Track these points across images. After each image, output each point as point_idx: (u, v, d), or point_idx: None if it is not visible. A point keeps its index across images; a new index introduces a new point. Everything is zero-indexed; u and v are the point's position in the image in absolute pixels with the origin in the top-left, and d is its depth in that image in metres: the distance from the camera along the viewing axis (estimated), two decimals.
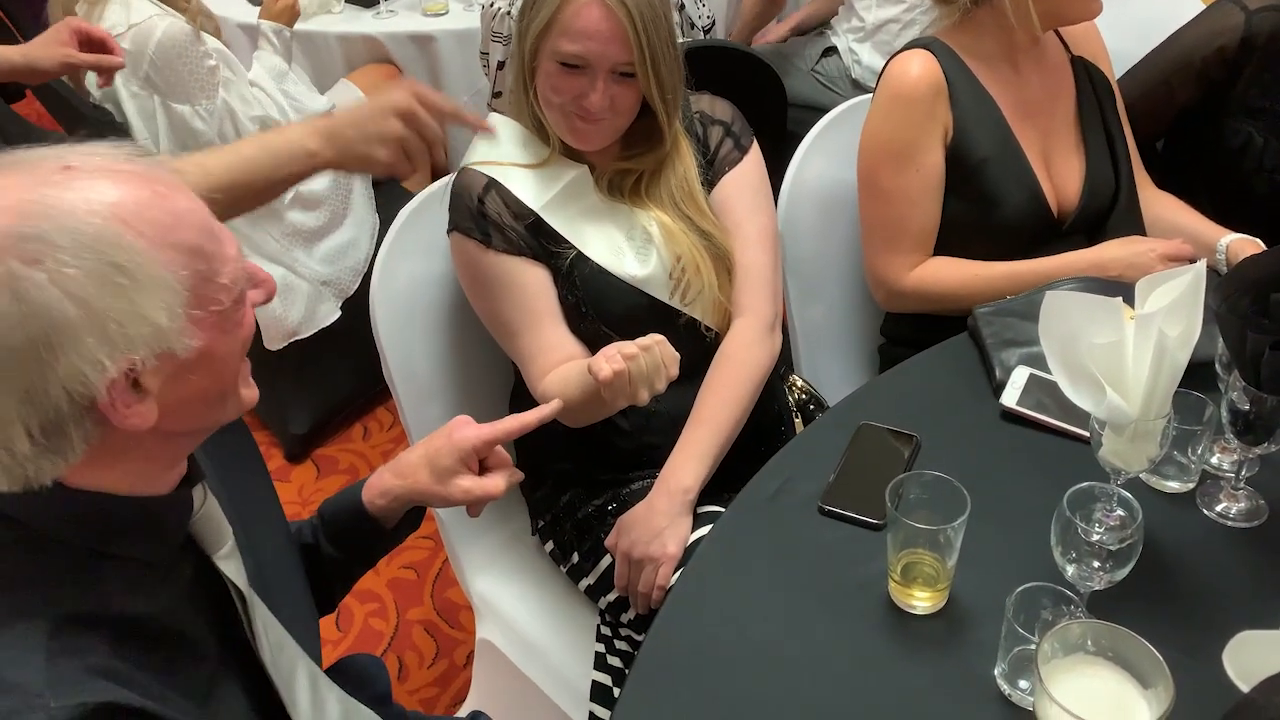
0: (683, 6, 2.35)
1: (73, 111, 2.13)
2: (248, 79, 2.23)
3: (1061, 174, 1.59)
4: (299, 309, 2.33)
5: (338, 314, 2.40)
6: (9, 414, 0.70)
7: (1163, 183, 1.73)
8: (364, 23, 2.75)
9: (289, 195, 2.29)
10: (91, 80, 2.11)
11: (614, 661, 1.39)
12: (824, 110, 1.77)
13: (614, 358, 1.12)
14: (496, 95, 2.29)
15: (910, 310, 1.63)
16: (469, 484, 1.08)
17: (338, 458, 2.52)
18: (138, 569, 0.80)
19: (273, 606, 0.93)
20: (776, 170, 1.57)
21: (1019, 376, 1.32)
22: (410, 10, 2.79)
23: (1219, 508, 1.15)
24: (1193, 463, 1.17)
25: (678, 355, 1.15)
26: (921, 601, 1.05)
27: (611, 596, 1.39)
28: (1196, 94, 1.74)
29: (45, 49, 1.67)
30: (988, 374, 1.36)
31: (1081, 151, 1.60)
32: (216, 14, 2.32)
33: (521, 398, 1.47)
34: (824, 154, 1.70)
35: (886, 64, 1.58)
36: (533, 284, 1.37)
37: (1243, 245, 1.54)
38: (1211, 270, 1.08)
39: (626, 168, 1.41)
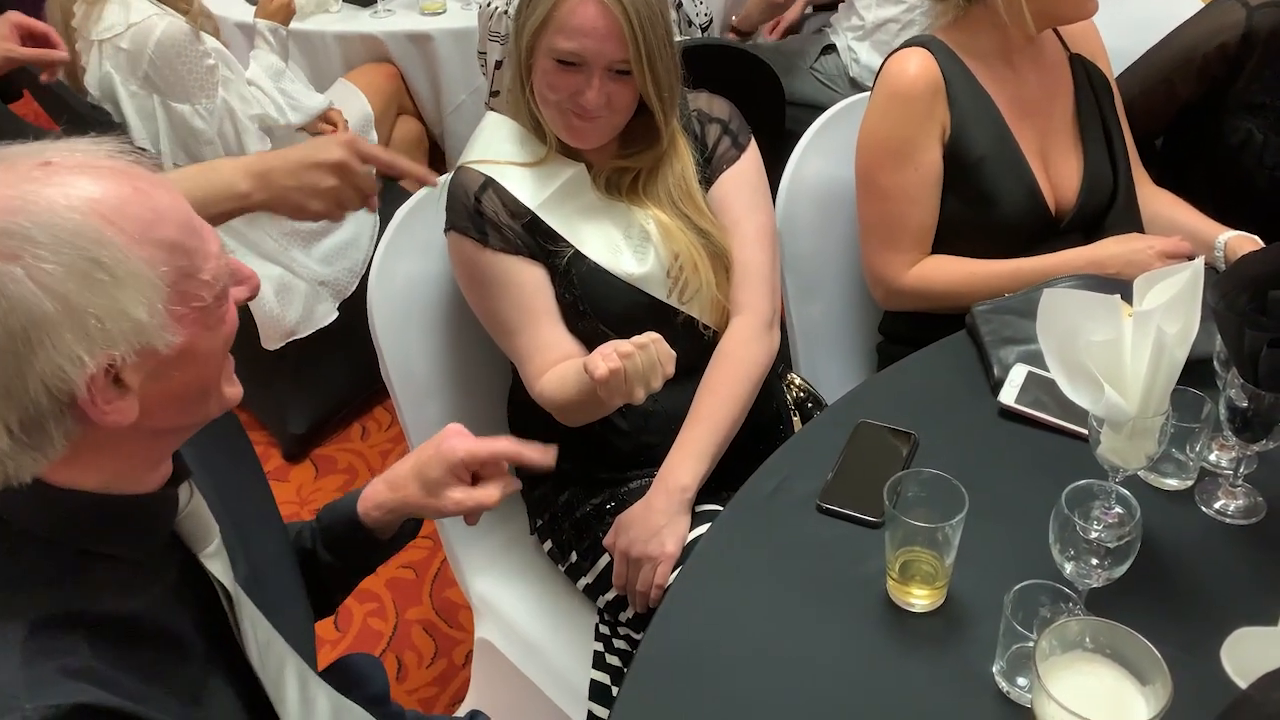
0: (680, 4, 2.35)
1: (70, 111, 2.13)
2: (245, 78, 2.23)
3: (1059, 172, 1.59)
4: (296, 309, 2.33)
5: (335, 314, 2.40)
6: None
7: (1162, 180, 1.73)
8: (361, 21, 2.74)
9: None
10: (90, 79, 2.11)
11: (612, 660, 1.39)
12: (822, 108, 1.77)
13: (610, 356, 1.11)
14: (494, 94, 2.29)
15: (908, 308, 1.63)
16: (459, 495, 1.06)
17: (336, 457, 2.52)
18: (122, 567, 0.80)
19: (266, 607, 0.93)
20: (774, 168, 1.57)
21: (1017, 374, 1.32)
22: (408, 9, 2.79)
23: (1217, 505, 1.15)
24: (1191, 460, 1.17)
25: (674, 353, 1.15)
26: (920, 599, 1.05)
27: (610, 595, 1.39)
28: (1197, 90, 1.74)
29: None
30: (986, 372, 1.36)
31: (1079, 150, 1.60)
32: (214, 14, 2.31)
33: (519, 397, 1.46)
34: (822, 152, 1.70)
35: (884, 62, 1.58)
36: (530, 283, 1.37)
37: (1241, 242, 1.54)
38: (1209, 267, 1.08)
39: (624, 166, 1.41)
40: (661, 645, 1.05)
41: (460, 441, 1.05)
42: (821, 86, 2.65)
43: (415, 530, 1.16)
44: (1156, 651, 0.83)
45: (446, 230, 1.39)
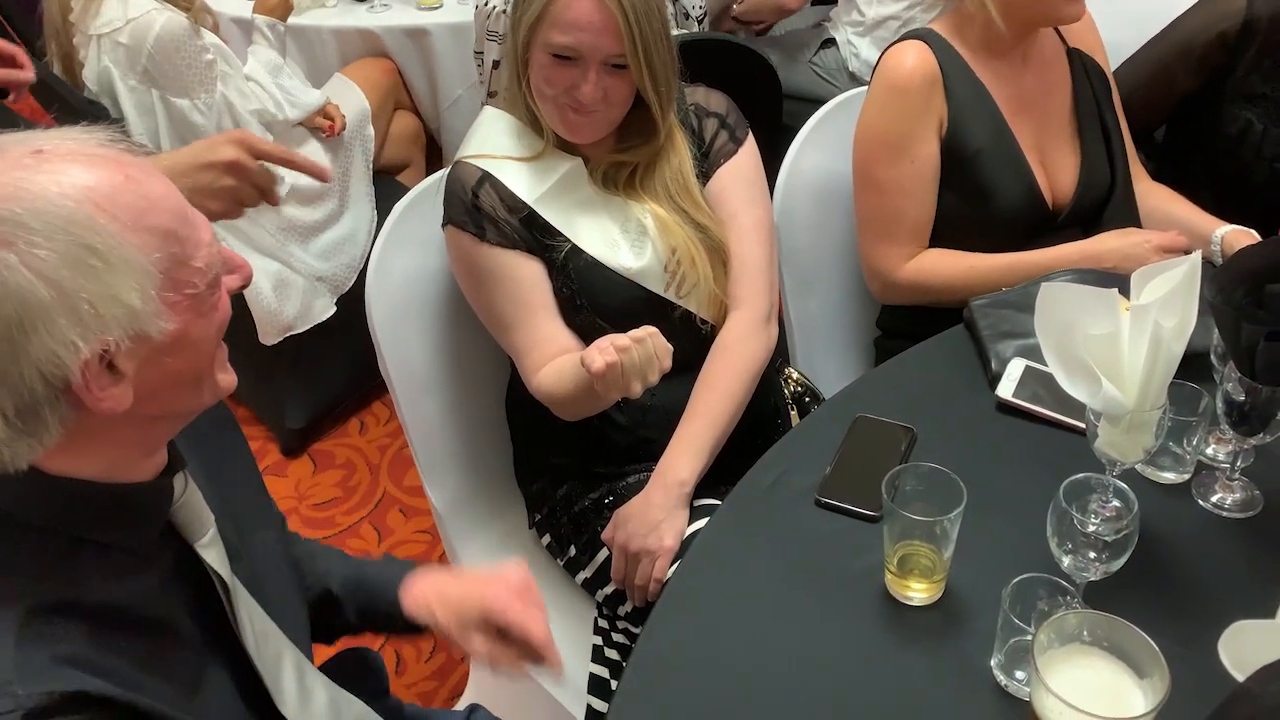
0: None
1: (67, 106, 2.12)
2: (244, 73, 2.22)
3: (1057, 167, 1.59)
4: (294, 304, 2.33)
5: (333, 310, 2.40)
6: None
7: (1161, 172, 1.73)
8: (358, 16, 2.74)
9: (284, 189, 2.28)
10: (88, 74, 2.10)
11: (611, 654, 1.40)
12: (821, 102, 1.76)
13: (606, 350, 1.11)
14: (492, 95, 2.28)
15: (905, 302, 1.63)
16: (481, 649, 1.04)
17: (334, 452, 2.52)
18: (116, 556, 0.81)
19: (262, 600, 0.93)
20: (772, 162, 1.57)
21: (1015, 368, 1.32)
22: (404, 4, 2.78)
23: (1214, 498, 1.15)
24: (1188, 454, 1.18)
25: (670, 347, 1.15)
26: (918, 593, 1.05)
27: (609, 589, 1.39)
28: (1197, 81, 1.74)
29: None
30: (983, 366, 1.36)
31: (1077, 144, 1.60)
32: (213, 9, 2.31)
33: (517, 392, 1.46)
34: (820, 146, 1.70)
35: (881, 55, 1.57)
36: (527, 277, 1.36)
37: (1237, 236, 1.54)
38: (1206, 261, 1.08)
39: (621, 160, 1.41)
40: (660, 639, 1.06)
41: (503, 605, 1.02)
42: (820, 80, 2.65)
43: None
44: (1154, 645, 0.84)
45: (444, 225, 1.39)
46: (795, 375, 1.62)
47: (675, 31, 1.47)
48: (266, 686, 0.91)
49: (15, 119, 2.10)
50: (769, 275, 1.45)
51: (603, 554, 1.39)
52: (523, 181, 1.37)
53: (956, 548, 1.03)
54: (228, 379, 0.85)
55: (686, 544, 1.29)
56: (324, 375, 2.49)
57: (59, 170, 0.72)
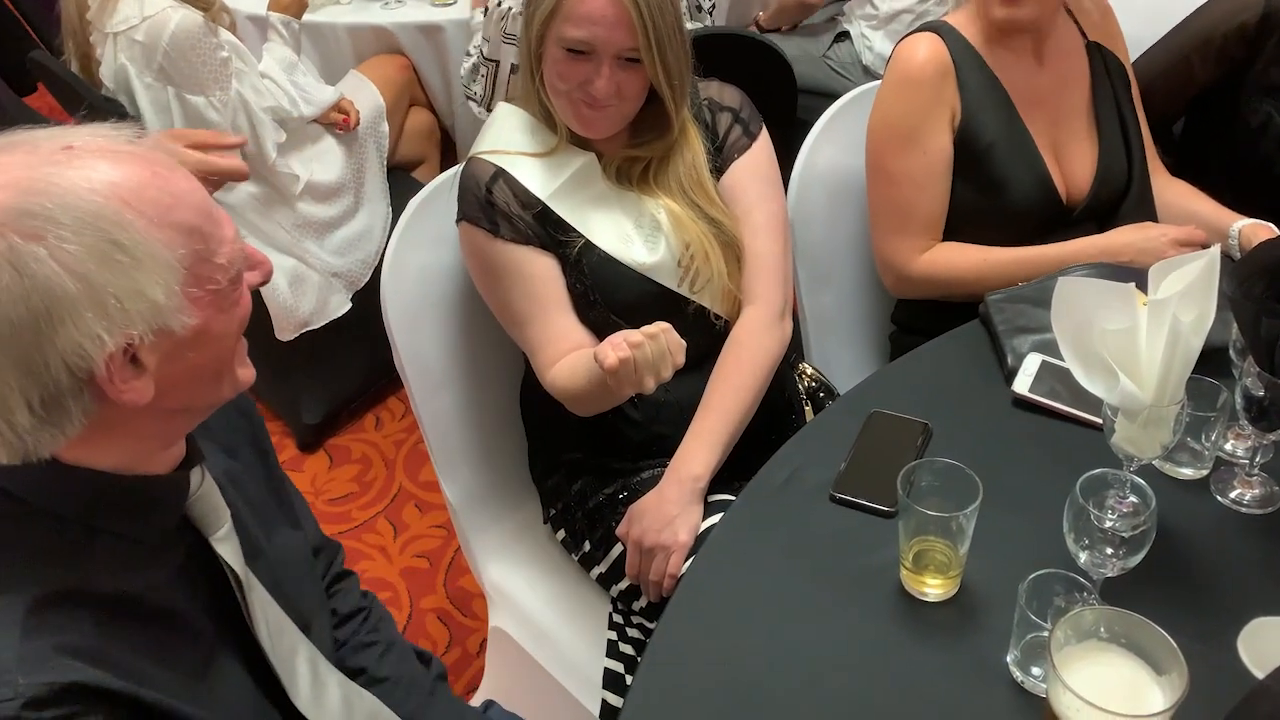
0: None
1: (85, 104, 2.14)
2: (259, 70, 2.23)
3: (1072, 161, 1.57)
4: (310, 300, 2.34)
5: (348, 306, 2.41)
6: (10, 386, 0.71)
7: (1181, 166, 1.71)
8: (373, 13, 2.74)
9: (299, 186, 2.30)
10: (105, 72, 2.12)
11: (626, 649, 1.40)
12: (835, 96, 1.76)
13: (619, 345, 1.11)
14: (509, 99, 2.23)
15: (919, 296, 1.63)
16: None
17: (350, 447, 2.53)
18: (130, 547, 0.82)
19: (281, 597, 0.94)
20: (786, 157, 1.56)
21: (1031, 363, 1.31)
22: (418, 0, 2.79)
23: (1233, 494, 1.14)
24: (1206, 449, 1.17)
25: (683, 343, 1.15)
26: (933, 589, 1.05)
27: (623, 584, 1.39)
28: (1216, 73, 1.73)
29: None
30: (999, 361, 1.35)
31: (1094, 139, 1.59)
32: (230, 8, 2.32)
33: (532, 387, 1.47)
34: (834, 140, 1.69)
35: (895, 47, 1.57)
36: (541, 273, 1.37)
37: (1255, 230, 1.53)
38: (1225, 255, 1.07)
39: (634, 155, 1.41)
40: (675, 634, 1.06)
41: None
42: (834, 74, 2.64)
43: None
44: (1172, 641, 0.83)
45: (458, 221, 1.39)
46: (809, 370, 1.62)
47: (688, 25, 1.46)
48: (280, 680, 0.92)
49: (37, 120, 2.12)
50: (783, 270, 1.45)
51: (617, 549, 1.40)
52: (536, 177, 1.37)
53: (972, 543, 1.02)
54: (247, 373, 0.87)
55: (701, 539, 1.29)
56: (339, 371, 2.50)
57: (88, 166, 0.73)
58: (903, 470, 1.04)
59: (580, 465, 1.48)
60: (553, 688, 1.50)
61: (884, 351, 1.78)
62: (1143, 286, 1.02)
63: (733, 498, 1.27)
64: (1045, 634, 0.91)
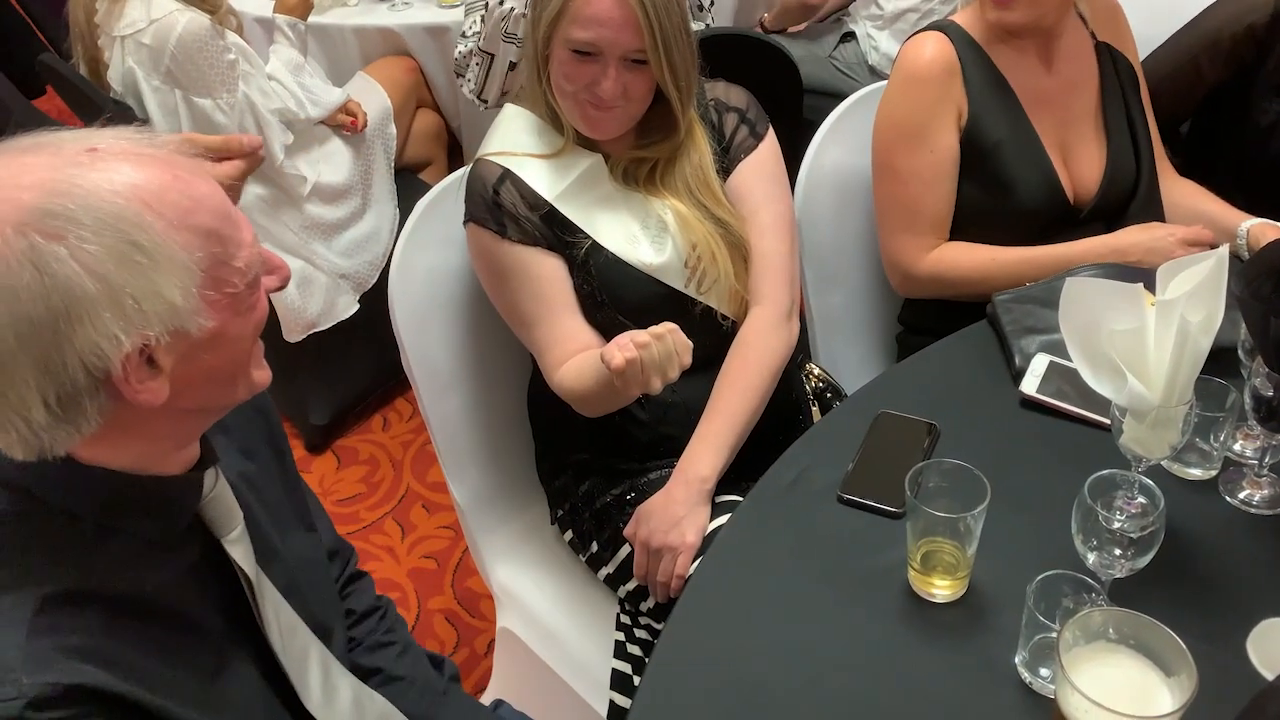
0: None
1: (93, 107, 2.14)
2: (265, 72, 2.24)
3: (1080, 161, 1.57)
4: (318, 301, 2.35)
5: (356, 307, 2.42)
6: (27, 384, 0.72)
7: (1189, 166, 1.71)
8: (379, 15, 2.74)
9: (307, 187, 2.30)
10: (113, 75, 2.13)
11: (634, 650, 1.40)
12: (841, 96, 1.76)
13: (626, 346, 1.12)
14: (500, 97, 2.23)
15: (926, 295, 1.62)
16: None
17: (358, 448, 2.54)
18: (141, 547, 0.82)
19: (295, 600, 0.94)
20: (793, 157, 1.56)
21: (1039, 364, 1.31)
22: (425, 2, 2.79)
23: (1242, 495, 1.14)
24: (1215, 450, 1.16)
25: (690, 343, 1.15)
26: (941, 590, 1.05)
27: (631, 585, 1.39)
28: (1225, 73, 1.72)
29: None
30: (1007, 361, 1.35)
31: (1103, 139, 1.58)
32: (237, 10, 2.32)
33: (539, 388, 1.47)
34: (841, 141, 1.69)
35: (902, 46, 1.57)
36: (548, 274, 1.37)
37: (1263, 230, 1.52)
38: (1233, 255, 1.07)
39: (641, 156, 1.41)
40: (682, 635, 1.06)
41: None
42: (840, 75, 2.63)
43: None
44: (1181, 642, 0.83)
45: (465, 222, 1.39)
46: (817, 371, 1.62)
47: (693, 25, 1.46)
48: (291, 681, 0.92)
49: (46, 123, 2.13)
50: (790, 271, 1.45)
51: (625, 550, 1.40)
52: (543, 178, 1.38)
53: (980, 544, 1.02)
54: (263, 375, 0.87)
55: (708, 540, 1.29)
56: (347, 372, 2.51)
57: (111, 168, 0.74)
58: (910, 471, 1.03)
59: (588, 466, 1.48)
60: (560, 688, 1.50)
61: (891, 352, 1.78)
62: (1151, 286, 1.02)
63: (740, 498, 1.27)
64: (1054, 635, 0.91)
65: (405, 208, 2.49)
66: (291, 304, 2.29)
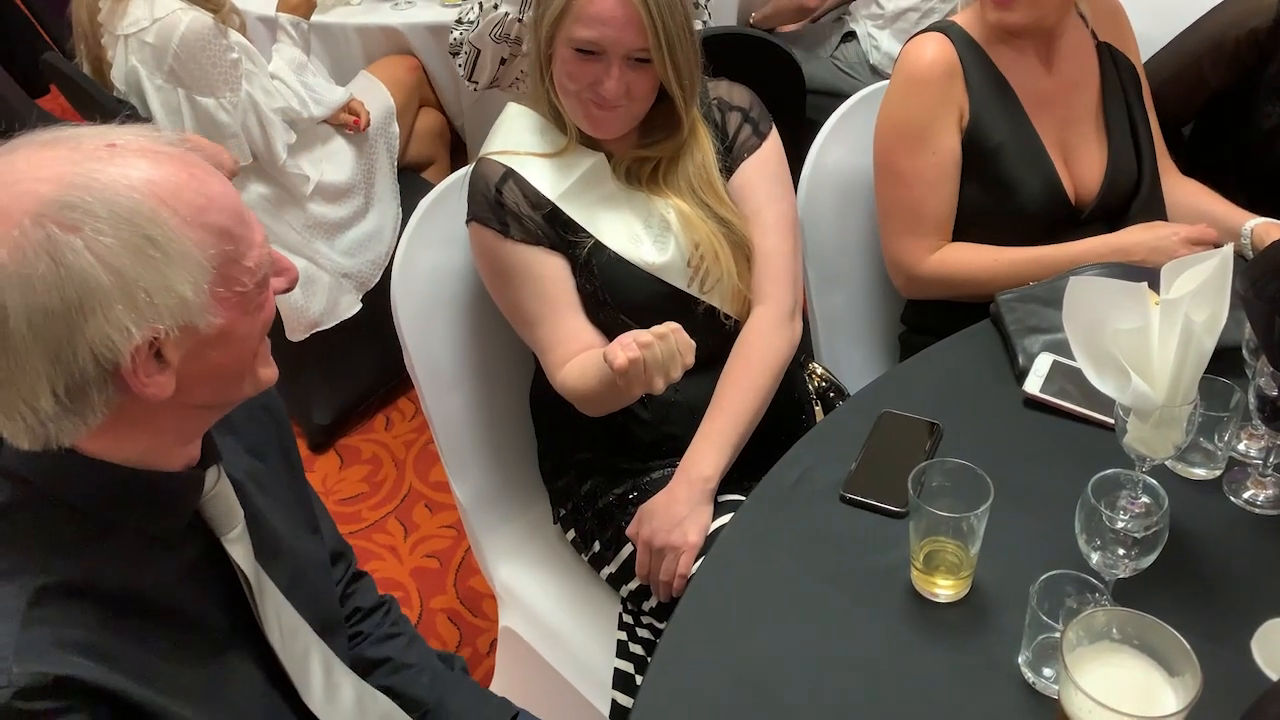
0: None
1: (97, 106, 2.15)
2: (269, 71, 2.24)
3: (1081, 162, 1.57)
4: (320, 301, 2.35)
5: (359, 306, 2.42)
6: (37, 373, 0.73)
7: (1191, 168, 1.70)
8: (382, 14, 2.74)
9: (310, 186, 2.30)
10: (117, 74, 2.13)
11: (636, 649, 1.40)
12: (843, 96, 1.76)
13: (629, 346, 1.12)
14: (490, 84, 2.22)
15: (929, 296, 1.62)
16: None
17: (361, 447, 2.54)
18: (141, 542, 0.83)
19: (297, 599, 0.94)
20: (795, 156, 1.56)
21: (1042, 363, 1.31)
22: (428, 1, 2.79)
23: (1246, 495, 1.14)
24: (1219, 449, 1.16)
25: (693, 343, 1.15)
26: (944, 589, 1.05)
27: (633, 585, 1.39)
28: (1228, 76, 1.72)
29: None
30: (1010, 361, 1.35)
31: (1104, 140, 1.58)
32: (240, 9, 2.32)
33: (542, 388, 1.47)
34: (843, 140, 1.69)
35: (903, 47, 1.57)
36: (550, 273, 1.37)
37: (1268, 229, 1.52)
38: (1237, 255, 1.07)
39: (644, 155, 1.41)
40: (684, 635, 1.06)
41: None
42: (842, 74, 2.63)
43: None
44: (1185, 642, 0.83)
45: (468, 221, 1.39)
46: (820, 370, 1.62)
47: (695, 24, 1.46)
48: (292, 681, 0.92)
49: (47, 118, 2.13)
50: (793, 270, 1.45)
51: (627, 549, 1.40)
52: (546, 178, 1.38)
53: (983, 544, 1.02)
54: (269, 373, 0.88)
55: (711, 540, 1.29)
56: (350, 371, 2.51)
57: (129, 164, 0.75)
58: (913, 470, 1.03)
59: (590, 465, 1.48)
60: (563, 688, 1.50)
61: (894, 351, 1.78)
62: (1155, 286, 1.02)
63: (743, 498, 1.27)
64: (1057, 635, 0.91)
65: (408, 207, 2.49)
66: (294, 303, 2.29)
